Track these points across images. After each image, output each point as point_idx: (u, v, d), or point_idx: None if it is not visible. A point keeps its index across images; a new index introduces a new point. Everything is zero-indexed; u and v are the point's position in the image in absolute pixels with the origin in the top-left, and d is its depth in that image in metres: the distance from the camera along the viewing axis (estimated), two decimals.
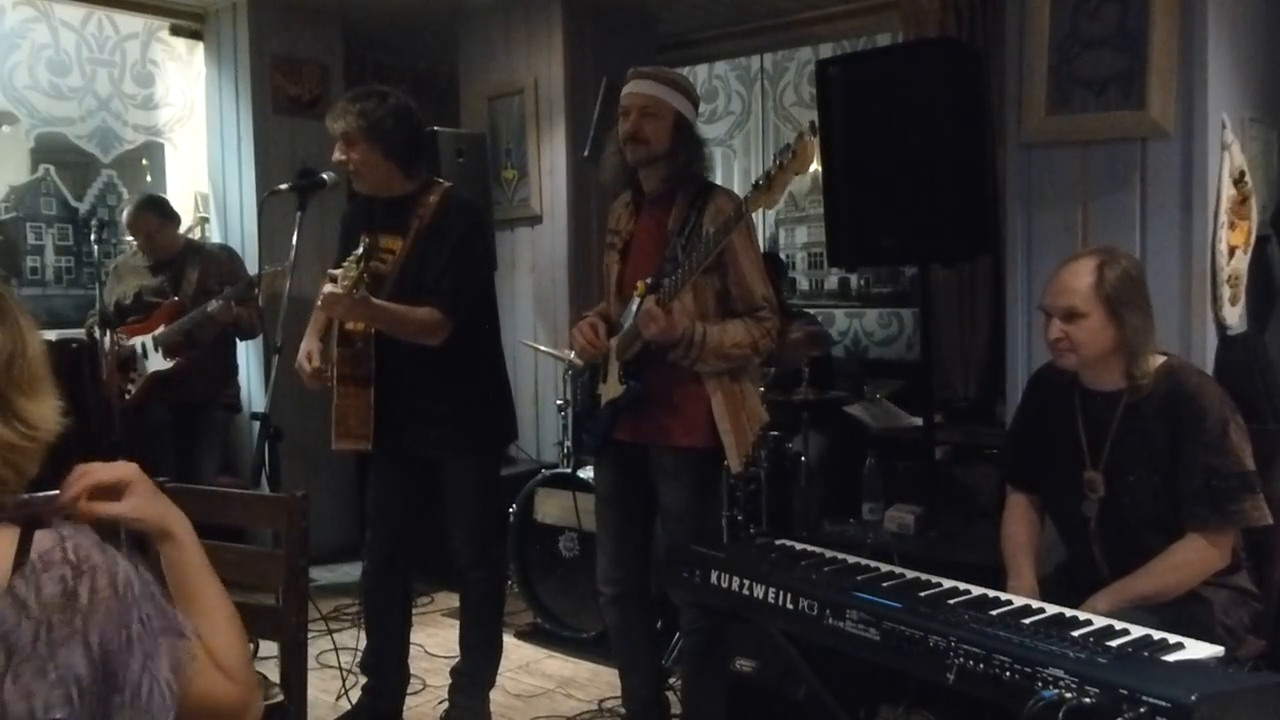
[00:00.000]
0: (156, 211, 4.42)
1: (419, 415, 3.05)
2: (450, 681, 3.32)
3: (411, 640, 3.36)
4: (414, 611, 3.82)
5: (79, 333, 4.76)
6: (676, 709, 3.20)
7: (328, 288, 2.84)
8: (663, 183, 2.84)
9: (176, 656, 1.27)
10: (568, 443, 4.16)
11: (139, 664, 1.22)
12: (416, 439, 3.08)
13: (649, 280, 2.71)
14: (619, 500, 2.96)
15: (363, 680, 3.28)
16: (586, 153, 5.16)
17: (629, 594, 2.97)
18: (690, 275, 2.63)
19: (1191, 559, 2.29)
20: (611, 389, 2.86)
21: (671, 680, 3.33)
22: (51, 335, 4.95)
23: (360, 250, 2.83)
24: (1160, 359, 2.39)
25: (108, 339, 4.11)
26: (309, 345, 3.10)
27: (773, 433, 4.11)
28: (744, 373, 2.83)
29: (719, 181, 6.56)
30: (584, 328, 2.90)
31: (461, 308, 3.00)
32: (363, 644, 3.30)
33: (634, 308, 2.74)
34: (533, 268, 5.35)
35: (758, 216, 6.36)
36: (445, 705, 3.34)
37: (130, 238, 4.49)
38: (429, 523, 3.25)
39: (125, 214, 4.45)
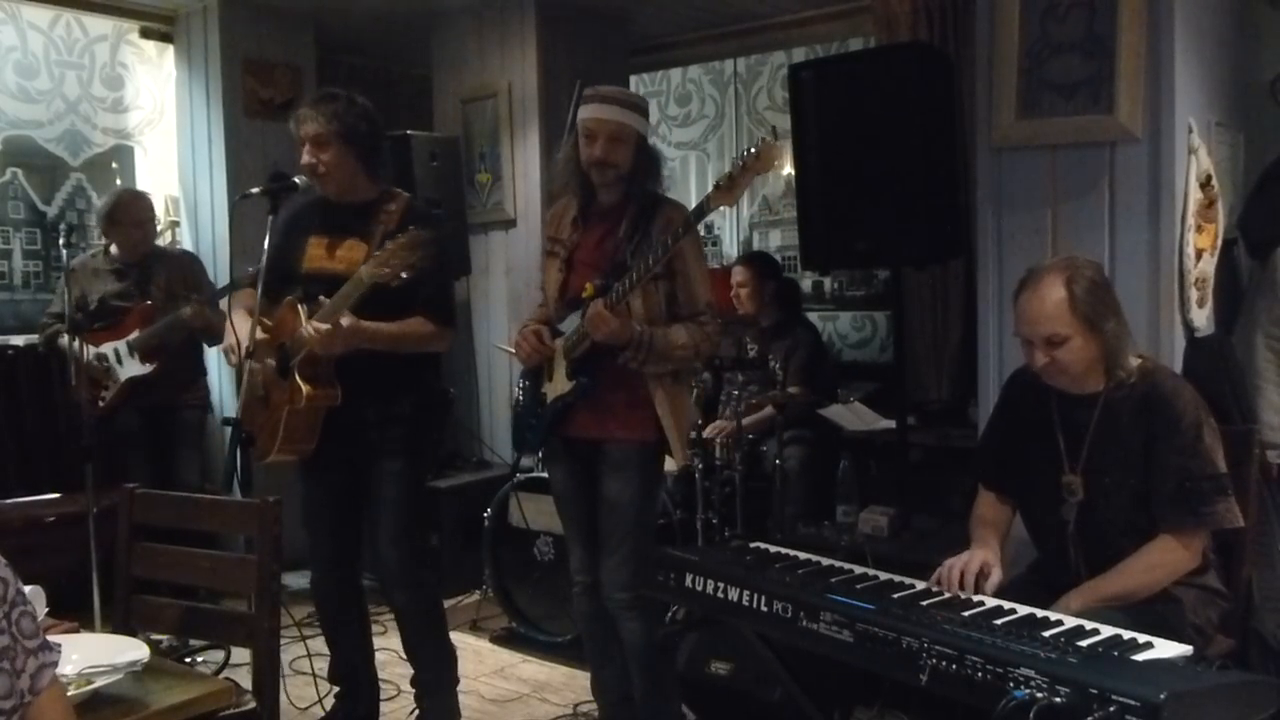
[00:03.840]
0: (147, 202, 4.38)
1: (355, 413, 2.99)
2: (415, 690, 3.29)
3: (383, 646, 3.33)
4: (384, 617, 3.79)
5: None
6: None
7: (308, 329, 2.84)
8: (619, 197, 2.91)
9: (39, 675, 1.42)
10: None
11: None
12: (350, 438, 3.02)
13: (598, 282, 2.79)
14: (580, 491, 3.01)
15: (335, 689, 3.26)
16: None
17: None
18: (641, 279, 2.73)
19: (1164, 559, 2.31)
20: (559, 386, 2.94)
21: None
22: (19, 341, 4.90)
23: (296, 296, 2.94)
24: (1137, 360, 2.41)
25: (78, 345, 4.03)
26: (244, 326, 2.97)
27: (748, 436, 4.12)
28: (683, 374, 2.99)
29: (693, 185, 6.57)
30: (529, 336, 2.98)
31: (452, 313, 3.12)
32: None
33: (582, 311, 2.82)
34: (507, 271, 5.33)
35: (731, 220, 6.39)
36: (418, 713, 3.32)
37: (104, 239, 4.37)
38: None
39: (112, 204, 4.24)
